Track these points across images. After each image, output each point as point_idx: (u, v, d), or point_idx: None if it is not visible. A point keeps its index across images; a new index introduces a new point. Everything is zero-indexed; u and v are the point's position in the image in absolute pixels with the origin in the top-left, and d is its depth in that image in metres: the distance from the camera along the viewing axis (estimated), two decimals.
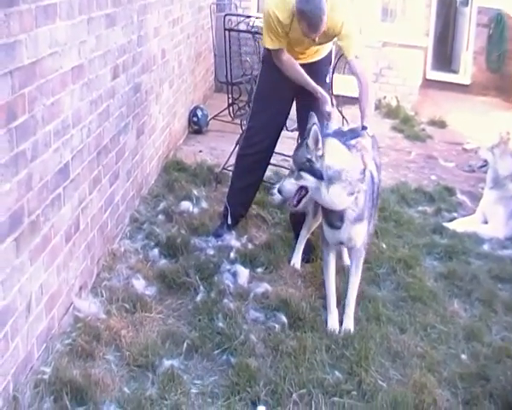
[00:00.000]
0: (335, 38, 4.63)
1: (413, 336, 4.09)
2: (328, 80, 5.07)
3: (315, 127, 3.90)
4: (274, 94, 4.84)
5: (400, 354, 3.91)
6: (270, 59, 4.78)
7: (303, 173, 3.94)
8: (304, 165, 3.94)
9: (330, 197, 3.93)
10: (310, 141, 3.90)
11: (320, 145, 3.90)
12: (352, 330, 4.09)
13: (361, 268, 4.25)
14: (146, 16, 5.41)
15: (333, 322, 4.15)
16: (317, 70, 4.86)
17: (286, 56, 4.67)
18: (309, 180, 3.94)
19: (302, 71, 4.67)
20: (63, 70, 3.57)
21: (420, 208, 6.11)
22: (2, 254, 2.93)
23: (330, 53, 5.08)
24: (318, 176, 3.90)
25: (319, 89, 4.62)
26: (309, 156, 3.91)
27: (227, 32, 6.68)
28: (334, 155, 3.94)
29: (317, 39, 4.46)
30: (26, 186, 3.15)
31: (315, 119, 3.95)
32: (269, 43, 4.63)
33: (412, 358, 3.88)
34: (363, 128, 4.36)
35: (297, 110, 5.01)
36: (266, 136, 4.97)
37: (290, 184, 4.02)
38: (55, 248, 3.57)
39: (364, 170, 4.02)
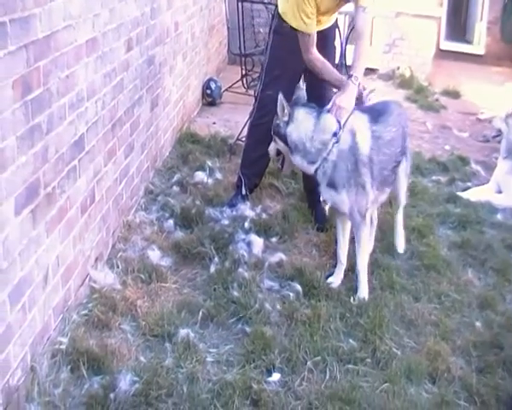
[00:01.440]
0: None
1: (427, 304, 4.13)
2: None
3: (280, 96, 4.23)
4: (285, 65, 4.82)
5: (414, 322, 3.94)
6: (281, 30, 4.77)
7: (275, 137, 4.41)
8: (275, 129, 4.38)
9: (295, 163, 4.34)
10: (278, 108, 4.27)
11: (286, 112, 4.24)
12: (366, 297, 4.12)
13: (363, 238, 4.21)
14: None
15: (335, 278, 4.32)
16: (327, 35, 4.90)
17: (315, 50, 4.63)
18: (279, 145, 4.40)
19: (330, 66, 4.65)
20: (77, 43, 3.57)
21: (434, 178, 6.11)
22: (18, 225, 2.96)
23: (336, 19, 5.08)
24: (284, 141, 4.30)
25: (343, 79, 4.55)
26: (278, 122, 4.32)
27: (240, 4, 6.67)
28: (296, 125, 4.24)
29: None
30: (42, 158, 3.18)
31: (301, 91, 4.50)
32: (304, 26, 4.54)
33: (426, 326, 3.92)
34: (349, 76, 4.42)
35: (306, 81, 5.03)
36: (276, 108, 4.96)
37: (272, 146, 4.55)
38: (71, 220, 3.61)
39: (336, 134, 4.11)
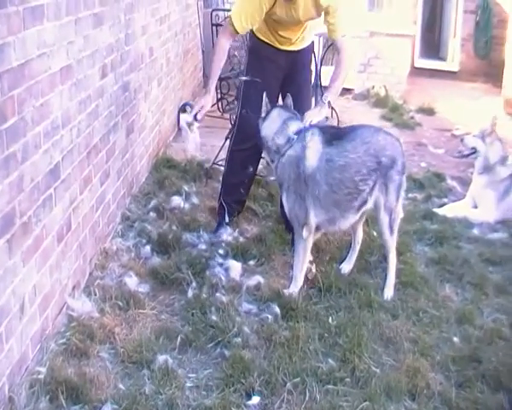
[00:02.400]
0: (322, 17, 4.66)
1: (405, 321, 4.14)
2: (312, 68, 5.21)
3: (265, 95, 4.50)
4: (263, 85, 4.82)
5: (393, 339, 3.96)
6: (256, 49, 4.83)
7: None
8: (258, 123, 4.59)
9: (264, 156, 4.78)
10: (262, 105, 4.53)
11: (265, 109, 4.51)
12: (295, 294, 4.31)
13: (297, 246, 4.43)
14: (133, 15, 5.43)
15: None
16: (302, 58, 4.97)
17: (228, 40, 4.72)
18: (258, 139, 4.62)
19: (219, 65, 4.73)
20: (52, 71, 3.59)
21: (410, 195, 6.11)
22: None
23: (313, 43, 5.13)
24: (259, 136, 4.57)
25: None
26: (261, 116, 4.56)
27: (214, 28, 6.71)
28: (267, 123, 4.50)
29: (301, 14, 4.54)
30: (18, 188, 3.18)
31: (288, 100, 4.57)
32: (239, 21, 4.57)
33: (405, 343, 3.92)
34: (324, 98, 4.58)
35: (282, 98, 5.00)
36: (256, 131, 4.94)
37: None
38: (48, 249, 3.60)
39: (289, 140, 4.33)
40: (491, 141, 5.87)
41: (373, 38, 9.95)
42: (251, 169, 5.19)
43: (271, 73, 4.80)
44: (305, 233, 4.34)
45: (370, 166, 4.25)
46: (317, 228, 4.39)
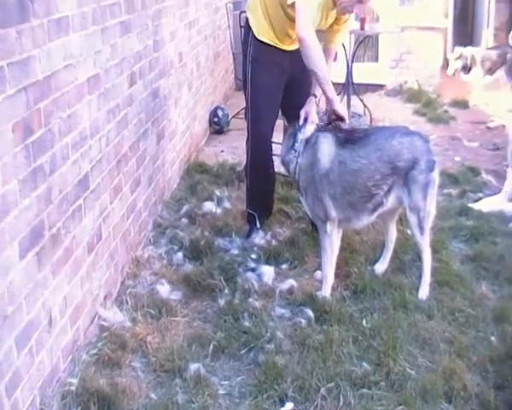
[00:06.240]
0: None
1: (441, 321, 4.07)
2: None
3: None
4: (269, 92, 4.82)
5: (428, 340, 3.89)
6: (260, 56, 4.79)
7: None
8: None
9: None
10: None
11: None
12: (327, 296, 4.31)
13: (323, 243, 4.40)
14: (161, 21, 5.44)
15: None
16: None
17: (313, 31, 4.47)
18: None
19: (323, 58, 4.52)
20: (79, 81, 3.59)
21: (445, 191, 6.02)
22: (23, 269, 2.96)
23: None
24: None
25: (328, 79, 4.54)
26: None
27: (243, 30, 6.68)
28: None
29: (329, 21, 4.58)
30: (46, 200, 3.19)
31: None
32: (312, 24, 4.43)
33: (440, 344, 3.86)
34: (314, 96, 4.67)
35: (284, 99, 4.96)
36: (270, 141, 4.98)
37: None
38: (78, 260, 3.61)
39: (294, 149, 4.44)
40: None
41: (404, 33, 9.84)
42: (271, 177, 5.20)
43: (277, 78, 4.77)
44: (328, 227, 4.31)
45: (384, 172, 4.20)
46: (339, 223, 4.38)
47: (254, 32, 4.79)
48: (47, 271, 3.21)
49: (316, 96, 4.65)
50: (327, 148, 4.26)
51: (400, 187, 4.24)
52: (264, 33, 4.77)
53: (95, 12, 3.82)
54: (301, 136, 4.44)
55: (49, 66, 3.21)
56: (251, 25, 4.82)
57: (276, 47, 4.79)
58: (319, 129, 4.47)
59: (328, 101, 4.51)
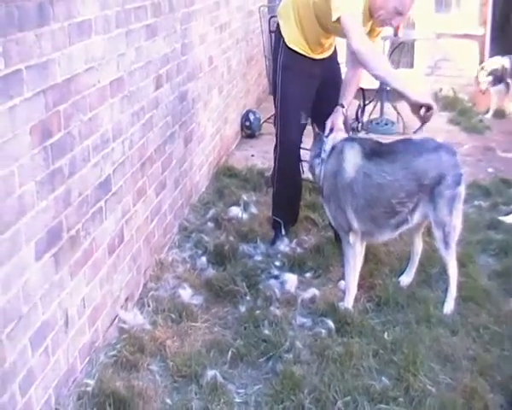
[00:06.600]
0: None
1: (465, 338, 3.96)
2: None
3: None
4: (299, 101, 4.77)
5: (450, 357, 3.78)
6: (291, 64, 4.72)
7: None
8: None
9: None
10: None
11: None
12: (350, 307, 4.26)
13: (346, 253, 4.35)
14: (190, 24, 5.42)
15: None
16: (334, 63, 4.98)
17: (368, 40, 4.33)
18: None
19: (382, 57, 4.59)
20: (101, 84, 3.58)
21: (475, 203, 5.91)
22: (39, 270, 2.95)
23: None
24: None
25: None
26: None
27: (273, 35, 6.64)
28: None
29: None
30: (64, 202, 3.18)
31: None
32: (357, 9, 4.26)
33: (463, 361, 3.74)
34: (341, 106, 4.61)
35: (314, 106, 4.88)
36: (298, 149, 4.93)
37: None
38: (98, 262, 3.60)
39: (319, 156, 4.43)
40: None
41: (440, 40, 9.75)
42: (298, 185, 5.16)
43: (307, 87, 4.71)
44: (351, 239, 4.25)
45: (409, 191, 4.10)
46: (362, 236, 4.31)
47: (285, 39, 4.73)
48: (64, 272, 3.20)
49: (343, 107, 4.58)
50: (352, 157, 4.19)
51: (426, 203, 4.14)
52: (295, 42, 4.71)
53: (118, 15, 3.81)
54: (327, 144, 4.39)
55: (70, 69, 3.20)
56: (282, 32, 4.76)
57: (306, 56, 4.74)
58: (347, 138, 4.42)
59: (404, 98, 4.25)
